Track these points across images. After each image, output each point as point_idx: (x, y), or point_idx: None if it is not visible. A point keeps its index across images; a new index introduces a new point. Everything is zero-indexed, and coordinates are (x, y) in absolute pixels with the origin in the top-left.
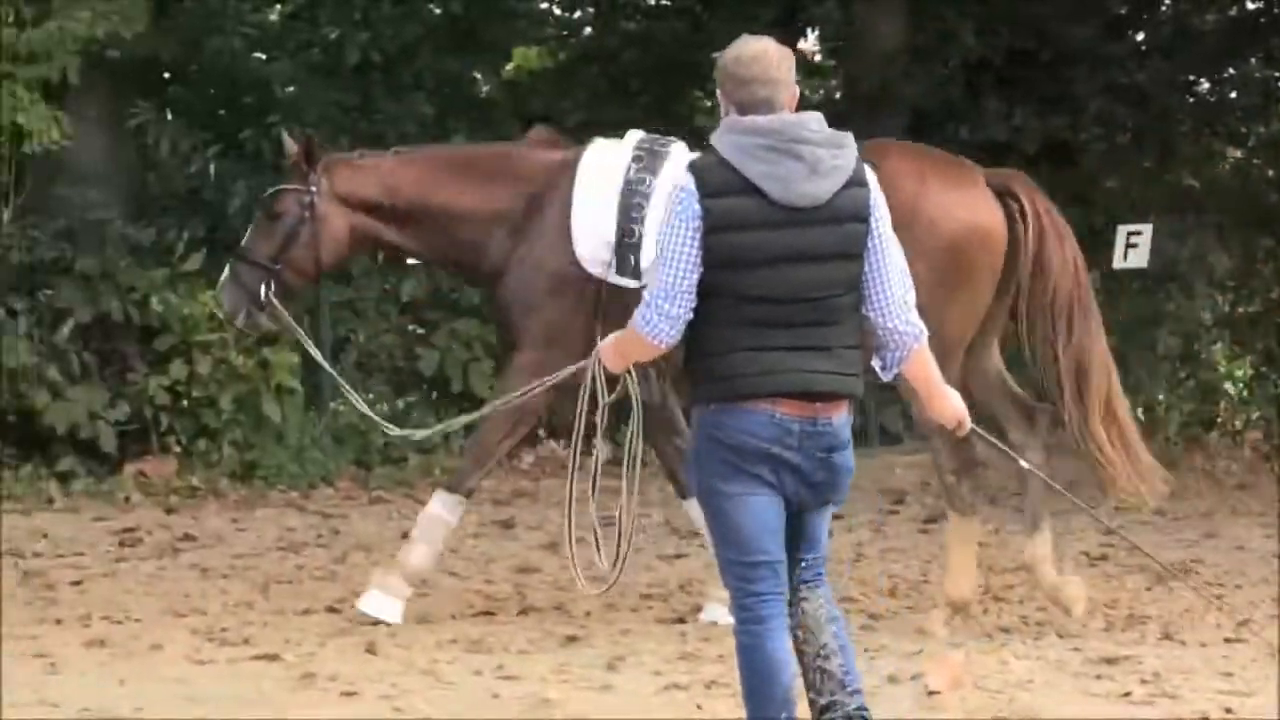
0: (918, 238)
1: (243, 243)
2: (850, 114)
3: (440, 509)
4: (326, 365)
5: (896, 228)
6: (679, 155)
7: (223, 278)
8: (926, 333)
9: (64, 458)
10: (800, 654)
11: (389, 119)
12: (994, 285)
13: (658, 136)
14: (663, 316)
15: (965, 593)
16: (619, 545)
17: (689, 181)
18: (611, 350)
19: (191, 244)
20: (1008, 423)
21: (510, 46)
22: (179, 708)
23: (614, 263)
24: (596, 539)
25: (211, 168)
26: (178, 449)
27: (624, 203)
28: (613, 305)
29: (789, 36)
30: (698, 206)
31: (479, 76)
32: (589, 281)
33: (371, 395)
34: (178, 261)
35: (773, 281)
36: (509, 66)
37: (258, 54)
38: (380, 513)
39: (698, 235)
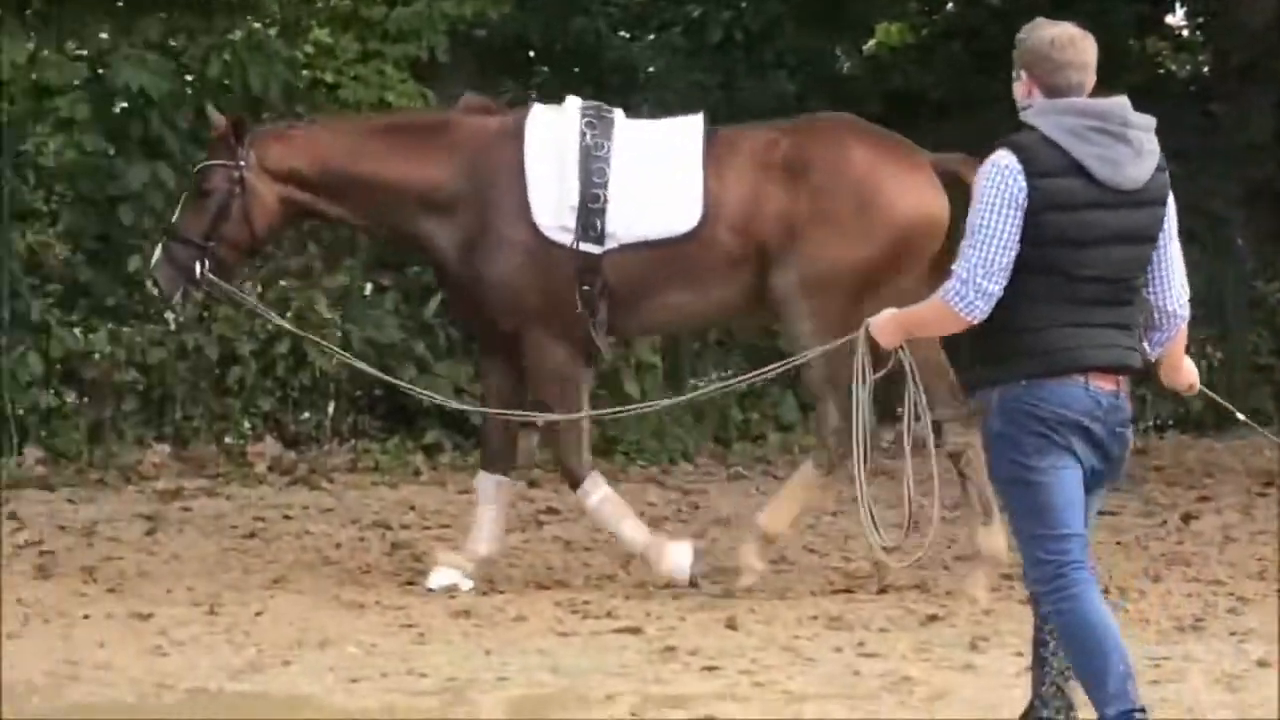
0: (873, 219)
1: (173, 220)
2: (1219, 89)
3: (594, 499)
4: (285, 324)
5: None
6: (623, 121)
7: (155, 257)
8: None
9: (430, 431)
10: (1041, 659)
11: (750, 97)
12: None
13: (597, 103)
14: (980, 294)
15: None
16: (908, 516)
17: (1011, 160)
18: (893, 325)
19: None
20: (936, 401)
21: (872, 23)
22: (543, 678)
23: (578, 229)
24: (872, 516)
25: None
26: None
27: (584, 168)
28: (584, 273)
29: (1157, 10)
30: (1024, 184)
31: (840, 54)
32: (555, 248)
33: (730, 370)
34: None
35: (1098, 261)
36: (870, 43)
37: (621, 33)
38: (738, 489)
39: (1021, 213)
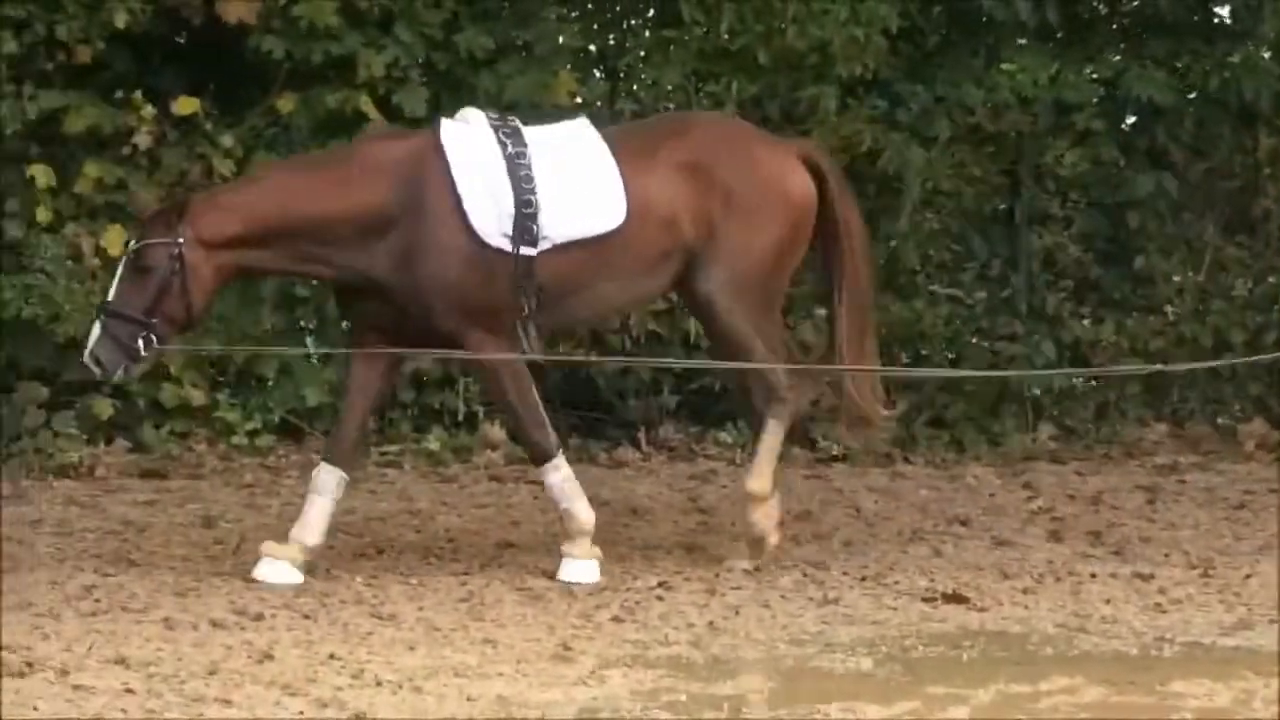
0: (771, 202)
1: (110, 298)
2: None
3: (556, 477)
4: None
5: (759, 194)
6: (531, 132)
7: (94, 336)
8: None
9: None
10: None
11: None
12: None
13: (498, 114)
14: None
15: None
16: None
17: None
18: None
19: None
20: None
21: None
22: None
23: (515, 234)
24: None
25: None
26: None
27: (513, 176)
28: (522, 275)
29: None
30: None
31: None
32: (495, 254)
33: None
34: None
35: None
36: None
37: None
38: None
39: None
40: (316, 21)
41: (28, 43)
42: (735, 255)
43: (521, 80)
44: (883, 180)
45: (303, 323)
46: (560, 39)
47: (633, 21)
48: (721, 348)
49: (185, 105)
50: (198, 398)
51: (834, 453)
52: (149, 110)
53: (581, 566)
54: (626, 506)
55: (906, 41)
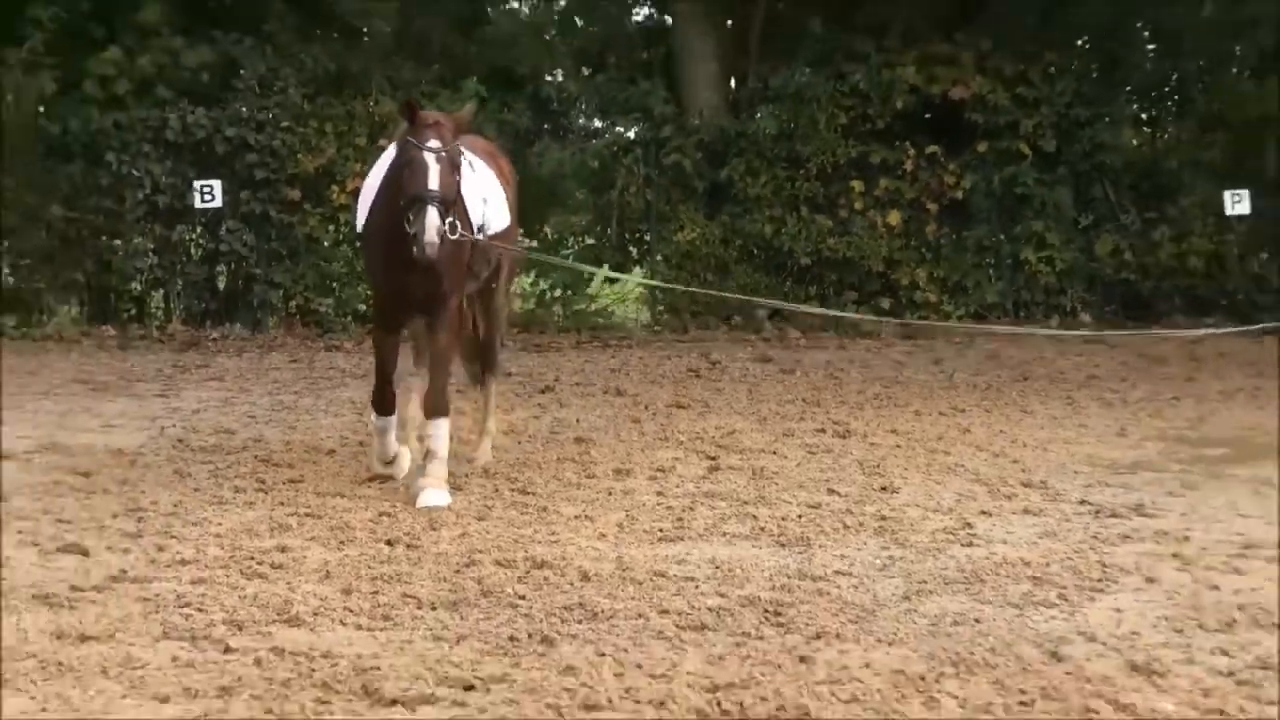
0: (515, 199)
1: (435, 188)
2: None
3: (446, 429)
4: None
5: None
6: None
7: (436, 219)
8: None
9: None
10: None
11: None
12: None
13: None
14: None
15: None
16: None
17: None
18: None
19: None
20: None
21: None
22: None
23: (482, 224)
24: None
25: None
26: None
27: (473, 180)
28: (478, 255)
29: None
30: None
31: None
32: (470, 238)
33: None
34: None
35: None
36: None
37: None
38: None
39: None
40: None
41: None
42: (514, 239)
43: None
44: None
45: None
46: None
47: None
48: (492, 317)
49: None
50: None
51: None
52: None
53: (438, 494)
54: None
55: None
